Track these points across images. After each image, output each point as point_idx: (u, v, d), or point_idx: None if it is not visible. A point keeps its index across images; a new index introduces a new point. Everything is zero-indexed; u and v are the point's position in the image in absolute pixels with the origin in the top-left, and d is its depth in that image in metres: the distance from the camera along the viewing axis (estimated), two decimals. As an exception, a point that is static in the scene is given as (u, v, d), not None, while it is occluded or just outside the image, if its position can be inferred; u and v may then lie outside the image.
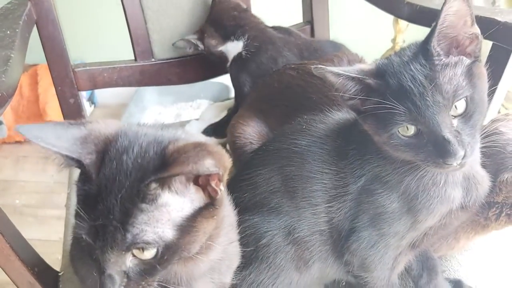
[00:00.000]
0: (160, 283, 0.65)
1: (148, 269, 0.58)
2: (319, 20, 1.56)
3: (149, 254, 0.57)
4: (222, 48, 1.39)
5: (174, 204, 0.57)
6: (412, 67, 0.71)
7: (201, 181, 0.58)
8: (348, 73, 0.73)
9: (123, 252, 0.56)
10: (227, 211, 0.72)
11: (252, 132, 1.11)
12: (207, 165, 0.52)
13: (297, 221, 0.85)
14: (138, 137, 0.59)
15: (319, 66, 0.74)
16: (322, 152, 0.84)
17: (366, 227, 0.83)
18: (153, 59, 1.45)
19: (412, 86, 0.70)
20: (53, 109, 2.41)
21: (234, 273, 0.79)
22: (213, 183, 0.58)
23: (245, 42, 1.36)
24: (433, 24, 0.70)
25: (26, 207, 2.22)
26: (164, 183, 0.56)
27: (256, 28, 1.39)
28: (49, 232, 2.06)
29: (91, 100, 2.70)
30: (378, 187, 0.81)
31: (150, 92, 2.55)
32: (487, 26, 0.92)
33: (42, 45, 1.30)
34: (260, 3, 1.60)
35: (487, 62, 1.05)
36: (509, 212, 0.87)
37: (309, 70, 1.09)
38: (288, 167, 0.85)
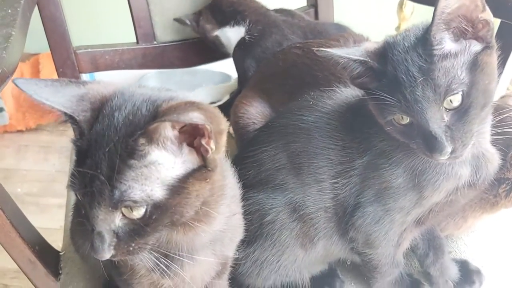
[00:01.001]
0: (161, 251, 0.64)
1: (137, 229, 0.57)
2: (323, 3, 1.54)
3: (137, 213, 0.56)
4: (217, 33, 1.38)
5: (164, 162, 0.56)
6: (409, 56, 0.70)
7: (195, 143, 0.57)
8: (350, 56, 0.73)
9: (111, 210, 0.55)
10: (230, 182, 0.71)
11: (255, 112, 1.10)
12: (192, 116, 0.51)
13: (303, 198, 0.84)
14: (133, 96, 0.59)
15: (322, 48, 0.74)
16: (328, 127, 0.83)
17: (371, 203, 0.82)
18: (155, 42, 1.44)
19: (404, 78, 0.69)
20: (54, 98, 2.40)
21: (237, 247, 0.78)
22: (203, 141, 0.56)
23: (247, 27, 1.35)
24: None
25: (27, 195, 2.22)
26: (153, 138, 0.54)
27: (257, 12, 1.37)
28: (51, 220, 2.04)
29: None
30: (383, 161, 0.80)
31: (152, 81, 2.54)
32: (496, 3, 0.90)
33: (44, 26, 1.28)
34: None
35: (495, 39, 1.03)
36: (519, 189, 0.85)
37: (314, 47, 1.08)
38: (294, 143, 0.84)
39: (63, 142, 2.51)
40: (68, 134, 2.57)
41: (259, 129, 0.96)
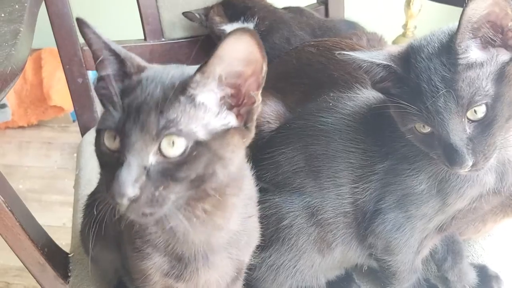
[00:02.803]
0: (176, 252, 0.64)
1: (169, 171, 0.54)
2: (334, 0, 1.52)
3: (177, 149, 0.54)
4: (225, 27, 1.36)
5: (210, 107, 0.57)
6: (432, 64, 0.68)
7: (239, 110, 0.59)
8: (373, 60, 0.71)
9: (152, 139, 0.54)
10: (248, 181, 0.70)
11: (269, 111, 1.07)
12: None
13: (321, 202, 0.82)
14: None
15: (345, 52, 0.73)
16: (349, 130, 0.81)
17: (392, 209, 0.80)
18: (163, 39, 1.42)
19: (426, 87, 0.67)
20: (57, 93, 2.38)
21: (252, 253, 0.77)
22: (251, 91, 0.58)
23: (256, 23, 1.34)
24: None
25: (30, 192, 2.20)
26: (209, 76, 0.56)
27: (265, 9, 1.37)
28: (53, 217, 2.05)
29: (95, 83, 2.66)
30: (406, 167, 0.78)
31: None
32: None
33: (51, 22, 1.26)
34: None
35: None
36: (541, 194, 0.83)
37: (330, 46, 1.07)
38: (312, 145, 0.83)
39: (65, 138, 2.50)
40: (70, 130, 2.55)
41: (276, 130, 0.94)
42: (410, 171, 0.78)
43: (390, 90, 0.73)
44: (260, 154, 0.88)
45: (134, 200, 0.53)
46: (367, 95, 0.86)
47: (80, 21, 0.59)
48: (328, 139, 0.82)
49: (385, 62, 0.71)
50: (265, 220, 0.82)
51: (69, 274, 1.00)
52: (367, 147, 0.80)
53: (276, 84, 1.12)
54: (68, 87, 1.35)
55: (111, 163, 0.55)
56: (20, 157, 2.42)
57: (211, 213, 0.62)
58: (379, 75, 0.73)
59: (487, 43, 0.67)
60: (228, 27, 1.35)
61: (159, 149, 0.54)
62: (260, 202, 0.77)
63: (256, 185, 0.75)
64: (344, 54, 0.73)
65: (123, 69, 0.60)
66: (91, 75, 1.44)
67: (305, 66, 1.08)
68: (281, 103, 1.10)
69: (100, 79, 0.62)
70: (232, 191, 0.64)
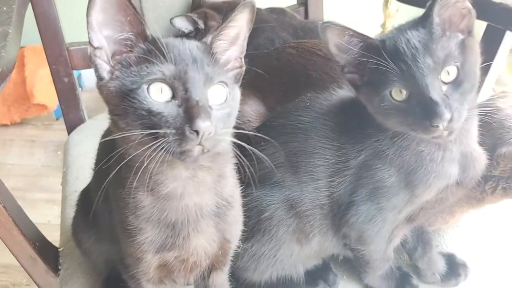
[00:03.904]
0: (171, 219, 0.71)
1: (219, 110, 0.66)
2: (313, 2, 1.57)
3: (222, 96, 0.67)
4: None
5: (223, 64, 0.71)
6: (408, 33, 0.75)
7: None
8: (354, 30, 0.77)
9: (209, 85, 0.65)
10: (232, 165, 0.78)
11: (250, 110, 1.12)
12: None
13: (299, 195, 0.87)
14: None
15: (328, 21, 0.77)
16: (325, 128, 0.86)
17: (364, 201, 0.85)
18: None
19: (405, 48, 0.74)
20: (40, 92, 2.39)
21: (238, 241, 0.81)
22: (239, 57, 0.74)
23: None
24: None
25: (14, 190, 2.14)
26: (219, 45, 0.70)
27: None
28: (38, 215, 2.03)
29: (78, 83, 2.67)
30: (377, 162, 0.83)
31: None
32: (483, 6, 0.95)
33: (37, 22, 1.29)
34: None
35: (481, 42, 1.08)
36: (505, 186, 0.90)
37: (309, 48, 1.11)
38: (291, 142, 0.87)
39: (48, 136, 2.51)
40: (54, 128, 2.56)
41: (257, 128, 0.98)
42: (381, 166, 0.83)
43: (367, 65, 0.78)
44: (242, 150, 0.92)
45: (210, 133, 0.61)
46: (341, 95, 0.91)
47: None
48: (305, 136, 0.86)
49: (364, 35, 0.77)
50: (247, 212, 0.85)
51: (59, 268, 1.03)
52: (341, 144, 0.85)
53: (257, 83, 1.16)
54: (55, 86, 1.38)
55: (165, 113, 0.61)
56: (4, 155, 2.42)
57: (206, 174, 0.70)
58: (356, 47, 0.78)
59: (443, 29, 0.75)
60: None
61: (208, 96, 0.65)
62: (242, 195, 0.82)
63: (239, 179, 0.80)
64: (327, 22, 0.77)
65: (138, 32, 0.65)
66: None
67: (285, 66, 1.13)
68: (261, 102, 1.14)
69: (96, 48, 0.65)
70: (223, 160, 0.72)
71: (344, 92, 0.91)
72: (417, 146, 0.80)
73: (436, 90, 0.72)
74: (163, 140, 0.60)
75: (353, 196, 0.86)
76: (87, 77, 2.68)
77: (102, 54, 0.64)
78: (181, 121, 0.61)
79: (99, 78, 0.65)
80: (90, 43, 0.64)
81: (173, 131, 0.60)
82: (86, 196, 0.94)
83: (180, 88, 0.62)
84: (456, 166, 0.83)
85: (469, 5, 0.77)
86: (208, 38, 0.68)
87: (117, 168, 0.65)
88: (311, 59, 1.09)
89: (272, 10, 1.46)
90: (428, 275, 0.99)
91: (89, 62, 1.25)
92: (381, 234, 0.88)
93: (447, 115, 0.71)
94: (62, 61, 1.35)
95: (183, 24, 1.38)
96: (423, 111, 0.73)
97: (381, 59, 0.74)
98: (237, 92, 0.72)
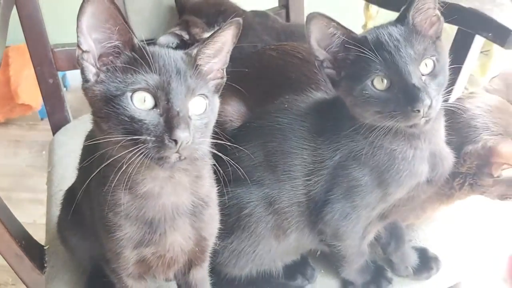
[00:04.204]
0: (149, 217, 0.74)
1: (198, 120, 0.69)
2: (295, 4, 1.61)
3: (202, 106, 0.70)
4: (206, 35, 1.42)
5: (205, 75, 0.74)
6: (389, 28, 0.81)
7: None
8: (339, 23, 0.81)
9: (190, 96, 0.68)
10: (209, 167, 0.81)
11: (231, 110, 1.15)
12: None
13: (278, 193, 0.90)
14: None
15: (315, 12, 0.81)
16: (302, 129, 0.90)
17: (339, 199, 0.89)
18: (131, 41, 1.48)
19: (388, 40, 0.79)
20: (25, 92, 2.39)
21: (215, 239, 0.84)
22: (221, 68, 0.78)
23: None
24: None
25: None
26: (202, 57, 0.73)
27: (236, 14, 1.42)
28: (23, 215, 2.01)
29: (62, 83, 2.67)
30: (352, 162, 0.87)
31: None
32: (453, 11, 0.99)
33: (22, 24, 1.30)
34: (237, -13, 1.63)
35: (452, 45, 1.13)
36: (471, 182, 0.95)
37: (288, 50, 1.15)
38: (270, 143, 0.91)
39: (33, 136, 2.51)
40: (38, 128, 2.56)
41: (238, 129, 1.02)
42: (355, 166, 0.86)
43: (347, 59, 0.83)
44: (224, 150, 0.96)
45: (188, 142, 0.65)
46: (318, 98, 0.95)
47: None
48: (284, 137, 0.90)
49: (347, 28, 0.81)
50: (227, 209, 0.89)
51: (45, 265, 1.06)
52: (318, 145, 0.88)
53: (238, 84, 1.19)
54: (39, 87, 1.39)
55: (147, 121, 0.64)
56: (-12, 155, 2.42)
57: (183, 175, 0.74)
58: (339, 39, 0.82)
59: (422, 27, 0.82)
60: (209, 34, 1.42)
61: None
62: (223, 193, 0.85)
63: (219, 178, 0.83)
64: (314, 13, 0.81)
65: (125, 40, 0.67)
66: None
67: (266, 68, 1.16)
68: (243, 103, 1.18)
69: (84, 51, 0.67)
70: (200, 163, 0.75)
71: (321, 94, 0.95)
72: (390, 145, 0.84)
73: (417, 78, 0.77)
74: (142, 146, 0.63)
75: (328, 194, 0.89)
76: (72, 77, 2.69)
77: (89, 57, 0.67)
78: (161, 129, 0.64)
79: (85, 80, 0.68)
80: (78, 46, 0.66)
81: (153, 138, 0.63)
82: (71, 195, 0.96)
83: (162, 98, 0.65)
84: (426, 164, 0.87)
85: (439, 13, 0.82)
86: (194, 51, 0.71)
87: (99, 168, 0.68)
88: (290, 61, 1.12)
89: (256, 14, 1.49)
90: (402, 269, 1.03)
91: (75, 64, 1.28)
92: (356, 230, 0.92)
93: (427, 101, 0.76)
94: (46, 62, 1.37)
95: (168, 40, 1.39)
96: (405, 96, 0.77)
97: (366, 49, 0.78)
98: (216, 102, 0.75)
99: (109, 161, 0.67)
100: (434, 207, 1.03)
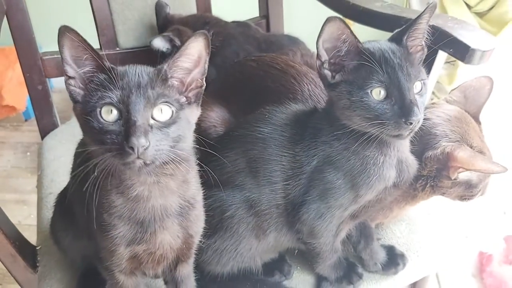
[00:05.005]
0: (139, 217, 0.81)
1: (164, 128, 0.74)
2: (274, 14, 1.68)
3: (166, 114, 0.75)
4: None
5: (176, 87, 0.78)
6: (391, 46, 0.88)
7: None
8: (352, 31, 0.86)
9: (151, 105, 0.73)
10: (194, 171, 0.87)
11: (215, 116, 1.22)
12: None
13: (258, 197, 0.97)
14: None
15: (336, 17, 0.85)
16: (282, 138, 0.97)
17: (315, 201, 0.96)
18: (118, 48, 1.54)
19: (392, 57, 0.86)
20: (9, 93, 2.41)
21: (200, 237, 0.91)
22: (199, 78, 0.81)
23: (211, 38, 1.46)
24: (407, 24, 0.90)
25: None
26: (174, 70, 0.78)
27: (218, 24, 1.50)
28: (8, 216, 2.08)
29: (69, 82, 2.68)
30: (328, 167, 0.94)
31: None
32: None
33: (12, 33, 1.35)
34: (219, -2, 1.70)
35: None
36: (432, 184, 1.03)
37: (268, 62, 1.22)
38: (252, 150, 0.97)
39: (17, 137, 2.53)
40: (23, 129, 2.58)
41: (221, 137, 1.08)
42: (330, 170, 0.93)
43: (348, 65, 0.88)
44: (208, 156, 1.03)
45: (145, 148, 0.70)
46: (296, 108, 1.02)
47: (71, 30, 0.73)
48: (264, 145, 0.96)
49: (357, 39, 0.87)
50: (211, 211, 0.96)
51: (37, 265, 1.11)
52: (296, 153, 0.95)
53: (222, 93, 1.27)
54: (29, 93, 1.44)
55: (112, 131, 0.71)
56: (-27, 156, 2.42)
57: (169, 180, 0.80)
58: (344, 44, 0.87)
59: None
60: None
61: (152, 115, 0.73)
62: (207, 196, 0.92)
63: (204, 182, 0.90)
64: (334, 17, 0.85)
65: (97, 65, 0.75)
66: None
67: (246, 78, 1.23)
68: (226, 110, 1.25)
69: (70, 77, 0.75)
70: (184, 167, 0.80)
71: (298, 105, 1.03)
72: (364, 151, 0.91)
73: (412, 95, 0.86)
74: (109, 154, 0.71)
75: (305, 196, 0.96)
76: (57, 79, 2.71)
77: (76, 82, 0.76)
78: (121, 138, 0.71)
79: (74, 101, 0.77)
80: (65, 73, 0.75)
81: (117, 146, 0.71)
82: (63, 198, 1.03)
83: (124, 110, 0.72)
84: (394, 170, 0.95)
85: (424, 44, 0.92)
86: (164, 65, 0.76)
87: (94, 174, 0.75)
88: (269, 72, 1.19)
89: (238, 24, 1.55)
90: (371, 265, 1.11)
91: (62, 72, 1.34)
92: (330, 228, 0.99)
93: (419, 116, 0.85)
94: (36, 69, 1.41)
95: (161, 44, 1.43)
96: (401, 110, 0.84)
97: (374, 61, 0.85)
98: (192, 109, 0.80)
99: (101, 167, 0.74)
100: (400, 206, 1.10)
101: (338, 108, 0.90)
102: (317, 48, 0.89)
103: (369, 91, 0.86)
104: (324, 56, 0.89)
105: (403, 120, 0.84)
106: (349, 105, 0.87)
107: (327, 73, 0.90)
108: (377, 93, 0.86)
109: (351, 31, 0.86)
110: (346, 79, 0.89)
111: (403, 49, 0.88)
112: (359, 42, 0.87)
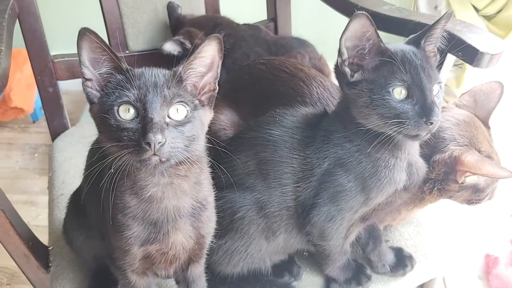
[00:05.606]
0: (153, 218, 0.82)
1: (179, 126, 0.76)
2: (282, 17, 1.69)
3: (181, 114, 0.77)
4: None
5: (190, 90, 0.81)
6: (411, 48, 0.89)
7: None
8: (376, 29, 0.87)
9: (168, 104, 0.75)
10: (206, 172, 0.89)
11: (225, 119, 1.23)
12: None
13: (268, 199, 0.98)
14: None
15: (363, 13, 0.85)
16: (292, 140, 0.98)
17: (326, 203, 0.96)
18: (127, 51, 1.56)
19: (414, 58, 0.87)
20: (17, 95, 2.42)
21: (211, 237, 0.93)
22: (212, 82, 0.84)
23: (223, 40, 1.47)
24: (424, 29, 0.92)
25: None
26: (189, 73, 0.80)
27: (230, 26, 1.51)
28: None
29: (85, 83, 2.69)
30: (339, 169, 0.94)
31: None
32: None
33: (24, 37, 1.36)
34: (227, 1, 1.71)
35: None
36: (440, 187, 1.04)
37: (276, 65, 1.23)
38: (262, 153, 0.98)
39: (25, 139, 2.54)
40: (30, 131, 2.60)
41: (232, 139, 1.09)
42: (342, 172, 0.94)
43: (370, 64, 0.88)
44: (219, 159, 1.04)
45: (162, 144, 0.72)
46: (307, 111, 1.02)
47: (91, 32, 0.75)
48: (275, 147, 0.97)
49: (380, 38, 0.87)
50: (221, 213, 0.97)
51: (50, 265, 1.13)
52: (307, 155, 0.96)
53: (232, 96, 1.28)
54: (40, 95, 1.46)
55: (129, 128, 0.74)
56: (-19, 158, 2.44)
57: (182, 181, 0.82)
58: (369, 42, 0.87)
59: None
60: None
61: (168, 113, 0.75)
62: (218, 198, 0.94)
63: (215, 183, 0.92)
64: (361, 12, 0.85)
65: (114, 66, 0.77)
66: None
67: (256, 81, 1.24)
68: (235, 112, 1.26)
69: (87, 80, 0.78)
70: (197, 169, 0.83)
71: (308, 109, 1.03)
72: (376, 153, 0.92)
73: (433, 96, 0.87)
74: (126, 151, 0.73)
75: (316, 198, 0.97)
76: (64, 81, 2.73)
77: (92, 84, 0.78)
78: (138, 134, 0.73)
79: (90, 102, 0.79)
80: (82, 75, 0.78)
81: (134, 143, 0.73)
82: (76, 198, 1.04)
83: (141, 108, 0.74)
84: (404, 173, 0.95)
85: (436, 50, 0.94)
86: (179, 68, 0.79)
87: (108, 174, 0.78)
88: (278, 75, 1.20)
89: (249, 27, 1.57)
90: (379, 267, 1.12)
91: (73, 73, 1.35)
92: (340, 231, 0.99)
93: (439, 116, 0.86)
94: (47, 72, 1.43)
95: (172, 48, 1.45)
96: (423, 110, 0.85)
97: (398, 61, 0.86)
98: (205, 112, 0.82)
99: (115, 168, 0.76)
100: (408, 209, 1.11)
101: (356, 106, 0.90)
102: (340, 44, 0.89)
103: (391, 89, 0.86)
104: (346, 54, 0.89)
105: (424, 119, 0.85)
106: (369, 103, 0.87)
107: (347, 70, 0.90)
108: (398, 92, 0.86)
109: (375, 29, 0.86)
110: (367, 78, 0.89)
111: (422, 52, 0.90)
112: (382, 41, 0.88)
